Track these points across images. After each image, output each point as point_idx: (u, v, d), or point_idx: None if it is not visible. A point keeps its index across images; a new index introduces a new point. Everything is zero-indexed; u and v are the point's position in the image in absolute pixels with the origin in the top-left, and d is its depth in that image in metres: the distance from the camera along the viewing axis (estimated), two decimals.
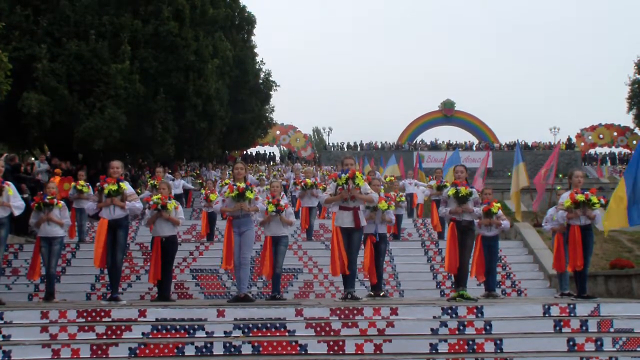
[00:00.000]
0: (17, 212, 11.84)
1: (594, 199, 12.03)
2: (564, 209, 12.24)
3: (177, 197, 21.97)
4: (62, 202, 13.72)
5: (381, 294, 13.21)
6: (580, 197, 12.01)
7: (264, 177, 33.45)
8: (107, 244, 12.04)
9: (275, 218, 12.75)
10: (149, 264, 15.20)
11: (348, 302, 11.08)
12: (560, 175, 39.67)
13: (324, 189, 14.14)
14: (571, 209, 12.09)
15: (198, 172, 32.09)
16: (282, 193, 13.70)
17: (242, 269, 11.98)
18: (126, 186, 12.35)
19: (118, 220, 12.21)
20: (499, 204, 13.95)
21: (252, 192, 11.93)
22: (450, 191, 11.97)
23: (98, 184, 12.44)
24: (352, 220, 11.61)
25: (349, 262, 11.57)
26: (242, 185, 11.92)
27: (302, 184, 19.22)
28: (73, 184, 18.34)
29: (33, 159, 24.06)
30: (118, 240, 12.20)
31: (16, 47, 23.20)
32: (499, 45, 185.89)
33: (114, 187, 12.06)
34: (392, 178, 24.70)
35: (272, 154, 75.78)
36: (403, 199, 19.18)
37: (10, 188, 11.80)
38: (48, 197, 13.35)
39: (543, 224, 14.59)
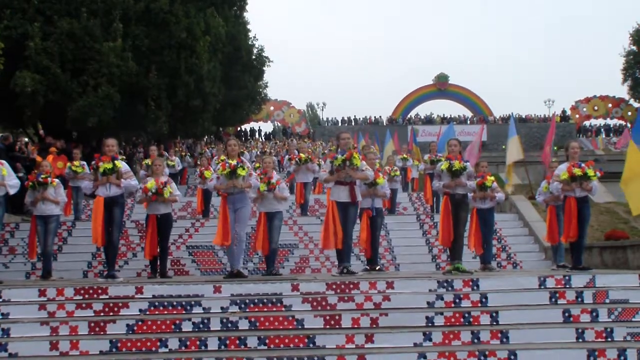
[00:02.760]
0: (12, 191, 11.85)
1: (590, 172, 12.02)
2: (559, 180, 12.22)
3: (173, 176, 21.88)
4: (56, 180, 13.67)
5: (377, 268, 13.25)
6: (577, 171, 11.98)
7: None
8: (104, 221, 12.03)
9: (269, 195, 12.71)
10: (144, 241, 15.29)
11: (344, 276, 11.09)
12: (555, 148, 39.65)
13: (319, 164, 14.14)
14: (568, 182, 12.08)
15: (184, 153, 31.85)
16: (274, 170, 13.66)
17: (237, 245, 11.99)
18: (121, 164, 12.29)
19: (114, 198, 12.16)
20: (492, 177, 13.95)
21: (244, 169, 11.89)
22: (444, 165, 11.96)
23: (93, 162, 12.41)
24: (348, 195, 11.62)
25: (344, 237, 11.58)
26: (234, 162, 11.90)
27: (297, 158, 19.21)
28: (69, 164, 18.31)
29: (26, 139, 23.96)
30: (114, 218, 12.16)
31: (7, 26, 23.03)
32: (493, 19, 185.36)
33: (109, 166, 12.02)
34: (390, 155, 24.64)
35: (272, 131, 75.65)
36: (397, 173, 19.17)
37: (4, 167, 11.79)
38: (42, 175, 13.30)
39: (536, 197, 14.59)
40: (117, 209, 12.26)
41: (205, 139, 46.67)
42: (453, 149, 12.11)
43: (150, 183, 12.82)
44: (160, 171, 13.15)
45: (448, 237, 11.68)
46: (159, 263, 13.04)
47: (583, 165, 12.15)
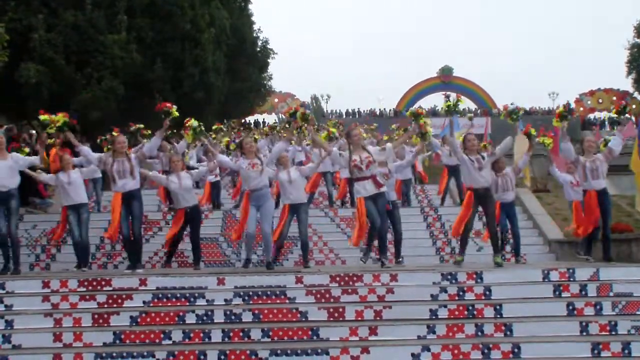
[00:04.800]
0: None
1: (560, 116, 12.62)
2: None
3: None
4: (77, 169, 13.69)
5: (399, 261, 13.42)
6: (561, 109, 12.59)
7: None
8: (122, 216, 12.07)
9: (295, 184, 12.76)
10: (150, 232, 15.34)
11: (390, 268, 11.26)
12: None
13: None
14: (559, 121, 12.47)
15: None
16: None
17: (264, 240, 12.28)
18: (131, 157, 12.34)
19: (132, 192, 12.17)
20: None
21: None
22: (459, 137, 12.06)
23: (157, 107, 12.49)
24: (373, 185, 11.49)
25: (380, 229, 11.59)
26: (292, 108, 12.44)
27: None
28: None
29: (33, 131, 23.90)
30: (133, 212, 12.19)
31: (12, 18, 22.99)
32: (497, 11, 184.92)
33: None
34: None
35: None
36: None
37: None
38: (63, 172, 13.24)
39: (553, 170, 14.56)
40: (136, 202, 12.25)
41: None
42: (474, 144, 11.96)
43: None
44: (179, 167, 13.13)
45: (459, 228, 11.73)
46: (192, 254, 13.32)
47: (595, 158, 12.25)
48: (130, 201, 12.14)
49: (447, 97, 12.08)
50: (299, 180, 12.86)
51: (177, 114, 12.22)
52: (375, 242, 11.97)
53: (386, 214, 12.67)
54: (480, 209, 11.94)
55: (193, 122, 12.87)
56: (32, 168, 13.38)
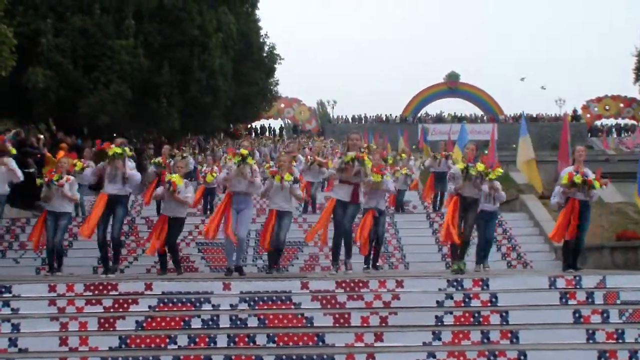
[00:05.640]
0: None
1: (597, 185, 11.94)
2: (561, 184, 12.24)
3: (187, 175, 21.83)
4: (72, 177, 13.70)
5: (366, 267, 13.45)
6: (577, 179, 11.91)
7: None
8: (104, 218, 12.03)
9: (283, 191, 12.68)
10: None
11: (351, 274, 11.28)
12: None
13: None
14: (568, 187, 12.05)
15: (196, 152, 31.80)
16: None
17: (239, 245, 12.11)
18: (129, 159, 12.34)
19: (118, 196, 12.16)
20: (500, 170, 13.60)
21: (252, 158, 12.07)
22: (459, 165, 11.95)
23: (94, 148, 12.47)
24: (350, 194, 11.61)
25: (345, 232, 11.71)
26: (245, 152, 12.03)
27: (310, 159, 19.14)
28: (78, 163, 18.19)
29: (41, 136, 23.99)
30: (116, 214, 12.15)
31: (20, 22, 23.10)
32: (504, 17, 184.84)
33: (119, 150, 11.98)
34: (404, 155, 24.48)
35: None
36: (404, 170, 19.25)
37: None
38: (57, 176, 13.27)
39: (551, 199, 14.46)
40: (120, 206, 12.23)
41: (218, 136, 46.71)
42: (470, 153, 12.05)
43: (175, 177, 12.72)
44: (182, 173, 13.05)
45: (451, 235, 11.68)
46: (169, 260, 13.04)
47: (589, 177, 12.07)
48: (115, 204, 12.11)
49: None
50: (289, 188, 12.82)
51: (117, 150, 12.06)
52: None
53: (373, 221, 12.95)
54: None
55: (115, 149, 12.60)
56: (35, 184, 13.57)
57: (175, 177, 12.56)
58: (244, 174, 11.94)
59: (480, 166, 11.90)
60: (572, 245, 12.20)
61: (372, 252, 13.54)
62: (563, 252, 12.73)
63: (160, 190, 12.89)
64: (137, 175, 12.49)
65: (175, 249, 13.05)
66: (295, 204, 13.81)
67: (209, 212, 19.04)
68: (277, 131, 70.95)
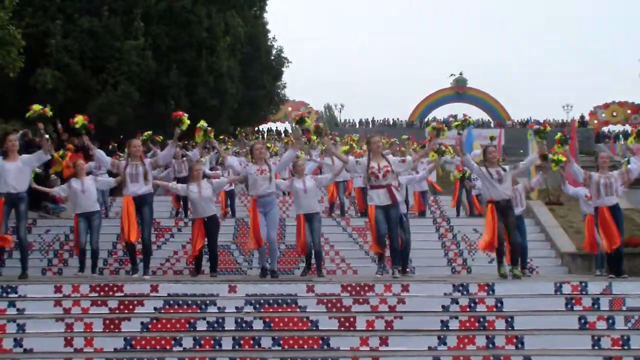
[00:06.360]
0: None
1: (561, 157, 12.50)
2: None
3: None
4: (90, 177, 13.74)
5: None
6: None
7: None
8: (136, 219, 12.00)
9: (307, 193, 12.77)
10: (162, 239, 15.36)
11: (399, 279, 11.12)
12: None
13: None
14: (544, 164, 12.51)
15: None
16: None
17: (270, 247, 12.08)
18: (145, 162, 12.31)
19: (143, 197, 12.03)
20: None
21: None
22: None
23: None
24: (388, 197, 11.51)
25: (390, 239, 11.60)
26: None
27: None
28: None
29: (48, 136, 23.97)
30: (144, 217, 12.05)
31: (29, 24, 23.14)
32: (511, 22, 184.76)
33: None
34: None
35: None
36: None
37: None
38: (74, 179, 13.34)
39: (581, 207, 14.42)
40: (146, 207, 12.11)
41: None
42: (494, 156, 11.96)
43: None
44: (199, 177, 13.05)
45: (492, 242, 11.48)
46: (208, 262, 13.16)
47: (609, 174, 12.23)
48: (141, 206, 12.00)
49: (455, 117, 12.15)
50: (313, 189, 12.85)
51: (188, 122, 12.12)
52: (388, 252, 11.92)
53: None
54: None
55: (203, 123, 12.76)
56: (45, 179, 13.50)
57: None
58: (298, 137, 11.96)
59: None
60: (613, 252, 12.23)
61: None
62: (614, 258, 12.60)
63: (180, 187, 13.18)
64: (155, 171, 12.52)
65: (215, 250, 13.15)
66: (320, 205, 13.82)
67: (229, 214, 19.09)
68: (287, 131, 70.88)
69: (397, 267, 11.70)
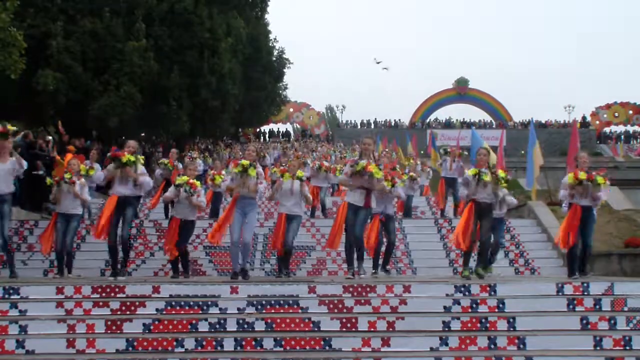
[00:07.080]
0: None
1: (600, 180, 11.86)
2: (566, 185, 12.17)
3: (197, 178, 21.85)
4: (82, 179, 13.73)
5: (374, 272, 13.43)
6: (582, 175, 11.87)
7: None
8: (114, 220, 12.08)
9: (294, 195, 12.73)
10: (162, 240, 15.34)
11: (358, 279, 11.26)
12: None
13: (341, 172, 14.20)
14: (573, 186, 11.98)
15: (206, 155, 31.80)
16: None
17: (243, 248, 12.12)
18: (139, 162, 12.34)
19: (128, 198, 12.21)
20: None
21: (254, 169, 11.94)
22: (471, 171, 11.84)
23: (109, 154, 12.46)
24: (363, 199, 11.63)
25: (355, 239, 11.71)
26: (247, 162, 11.94)
27: (317, 165, 19.21)
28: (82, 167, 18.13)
29: (50, 137, 24.07)
30: (125, 215, 12.19)
31: (31, 25, 23.18)
32: (513, 23, 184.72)
33: (132, 158, 12.00)
34: (411, 160, 24.49)
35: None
36: (412, 174, 19.18)
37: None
38: (68, 175, 13.34)
39: (562, 205, 14.30)
40: (130, 208, 12.32)
41: (224, 140, 46.76)
42: (482, 158, 11.97)
43: (183, 178, 12.76)
44: (194, 174, 13.09)
45: (463, 241, 11.57)
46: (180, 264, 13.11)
47: (593, 173, 12.03)
48: (125, 206, 12.15)
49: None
50: (299, 193, 12.85)
51: (130, 158, 12.03)
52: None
53: (382, 225, 13.22)
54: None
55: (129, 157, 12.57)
56: (45, 185, 13.56)
57: (193, 180, 12.70)
58: (246, 184, 11.90)
59: (501, 172, 11.87)
60: (578, 251, 12.15)
61: (380, 256, 13.57)
62: (567, 258, 12.64)
63: (170, 192, 12.92)
64: (149, 180, 12.53)
65: (185, 251, 13.09)
66: (304, 209, 13.80)
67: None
68: (287, 132, 71.03)
69: (360, 266, 12.10)
